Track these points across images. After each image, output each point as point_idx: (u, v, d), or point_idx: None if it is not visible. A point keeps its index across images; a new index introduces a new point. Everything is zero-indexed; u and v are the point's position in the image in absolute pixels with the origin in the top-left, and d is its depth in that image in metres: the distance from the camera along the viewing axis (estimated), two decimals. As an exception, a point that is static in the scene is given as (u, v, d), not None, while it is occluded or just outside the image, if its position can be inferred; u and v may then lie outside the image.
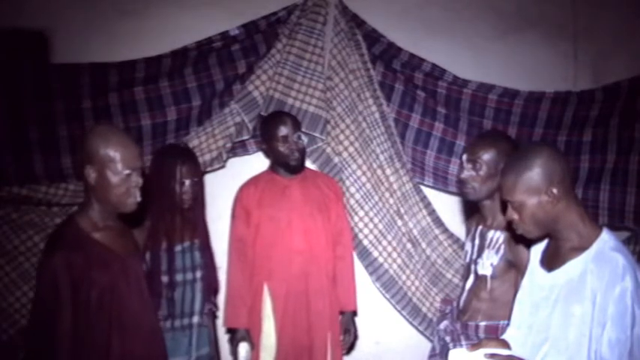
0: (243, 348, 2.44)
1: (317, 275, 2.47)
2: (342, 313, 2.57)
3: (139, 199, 1.66)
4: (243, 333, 2.44)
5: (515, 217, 1.50)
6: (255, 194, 2.48)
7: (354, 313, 2.61)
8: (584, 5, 3.10)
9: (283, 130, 2.41)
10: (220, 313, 2.62)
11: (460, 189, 2.02)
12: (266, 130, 2.48)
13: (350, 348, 2.68)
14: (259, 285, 2.45)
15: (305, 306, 2.44)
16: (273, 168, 2.54)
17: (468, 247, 2.09)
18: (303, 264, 2.44)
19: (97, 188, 1.62)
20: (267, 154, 2.56)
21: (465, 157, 1.97)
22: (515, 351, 1.49)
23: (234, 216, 2.52)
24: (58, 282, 1.51)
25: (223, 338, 2.69)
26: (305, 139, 2.52)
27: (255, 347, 2.45)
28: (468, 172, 1.94)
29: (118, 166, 1.60)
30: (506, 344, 1.53)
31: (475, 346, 1.50)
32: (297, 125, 2.47)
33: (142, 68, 2.61)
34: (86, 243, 1.61)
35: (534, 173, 1.44)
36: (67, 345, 1.51)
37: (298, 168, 2.50)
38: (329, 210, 2.55)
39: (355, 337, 2.62)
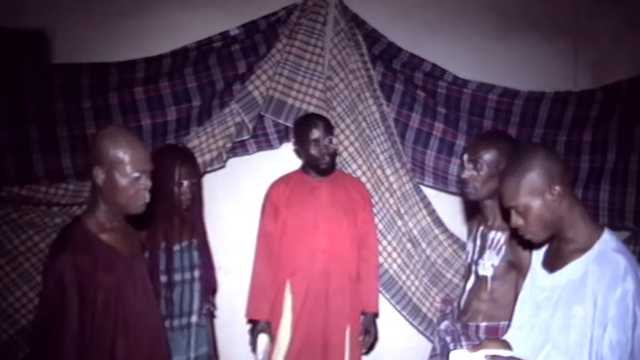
0: (262, 340, 2.48)
1: (338, 275, 2.48)
2: (363, 313, 2.58)
3: (147, 200, 1.66)
4: (264, 325, 2.49)
5: (521, 222, 1.47)
6: (285, 192, 2.52)
7: (376, 315, 2.62)
8: (585, 5, 3.10)
9: (315, 134, 2.44)
10: (218, 313, 2.63)
11: (461, 189, 2.02)
12: (299, 133, 2.51)
13: (370, 348, 2.68)
14: (282, 281, 2.48)
15: (324, 305, 2.45)
16: (304, 168, 2.57)
17: (469, 247, 2.09)
18: (325, 263, 2.46)
19: (105, 190, 1.61)
20: (299, 154, 2.59)
21: (465, 157, 1.96)
22: (516, 352, 1.49)
23: (263, 212, 2.56)
24: (65, 282, 1.50)
25: (222, 338, 2.70)
26: (335, 142, 2.54)
27: (274, 340, 2.48)
28: (468, 172, 1.93)
29: (127, 168, 1.59)
30: (507, 345, 1.53)
31: (476, 347, 1.50)
32: (329, 129, 2.50)
33: (142, 68, 2.61)
34: (93, 244, 1.60)
35: (535, 174, 1.43)
36: (73, 345, 1.50)
37: (328, 171, 2.53)
38: (355, 214, 2.56)
39: (375, 339, 2.62)
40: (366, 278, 2.58)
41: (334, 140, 2.53)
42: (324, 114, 2.75)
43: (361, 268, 2.57)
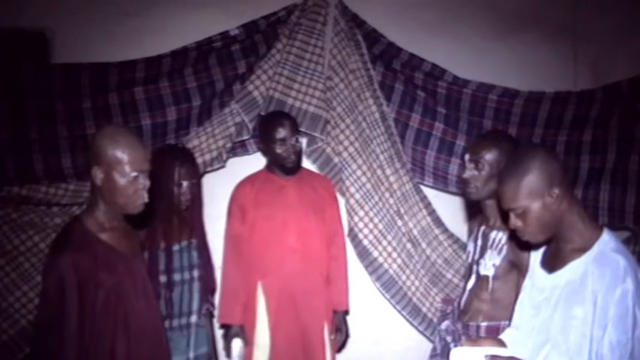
0: (237, 344, 2.46)
1: (311, 274, 2.49)
2: (334, 312, 2.58)
3: (146, 200, 1.66)
4: (237, 329, 2.47)
5: (520, 224, 1.47)
6: (251, 193, 2.50)
7: (346, 313, 2.63)
8: (584, 5, 3.10)
9: (281, 133, 2.42)
10: (218, 312, 2.63)
11: (462, 189, 2.02)
12: (264, 131, 2.50)
13: (341, 347, 2.68)
14: (253, 283, 2.47)
15: (299, 304, 2.46)
16: (269, 167, 2.56)
17: (470, 247, 2.09)
18: (296, 263, 2.46)
19: (104, 189, 1.61)
20: (265, 153, 2.58)
21: (467, 156, 1.96)
22: (515, 352, 1.49)
23: (229, 214, 2.54)
24: (65, 282, 1.50)
25: (221, 338, 2.70)
26: (303, 141, 2.54)
27: (248, 344, 2.47)
28: (470, 172, 1.94)
29: (126, 168, 1.59)
30: (502, 343, 1.54)
31: (473, 341, 1.51)
32: (295, 128, 2.48)
33: (142, 68, 2.61)
34: (93, 243, 1.61)
35: (534, 176, 1.43)
36: (73, 345, 1.51)
37: (294, 170, 2.52)
38: (323, 211, 2.57)
39: (347, 337, 2.63)
40: (336, 276, 2.59)
41: (300, 139, 2.52)
42: (324, 114, 2.75)
43: (331, 266, 2.57)
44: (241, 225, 2.50)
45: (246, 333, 2.47)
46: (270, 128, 2.45)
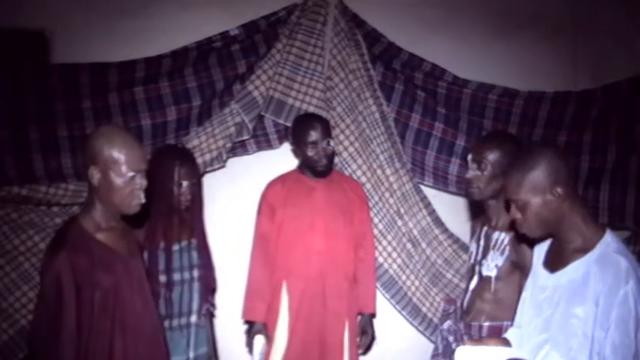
0: (259, 341, 2.48)
1: (335, 276, 2.48)
2: (360, 314, 2.58)
3: (142, 200, 1.66)
4: (260, 327, 2.48)
5: (519, 216, 1.49)
6: (282, 192, 2.51)
7: (373, 315, 2.62)
8: (584, 5, 3.10)
9: (313, 136, 2.42)
10: (218, 312, 2.63)
11: (465, 189, 2.02)
12: (296, 134, 2.49)
13: (367, 349, 2.67)
14: (278, 282, 2.48)
15: (321, 306, 2.45)
16: (300, 168, 2.56)
17: (472, 247, 2.08)
18: (321, 264, 2.45)
19: (101, 189, 1.61)
20: (296, 155, 2.57)
21: (470, 157, 1.97)
22: (516, 351, 1.49)
23: (259, 212, 2.54)
24: (62, 283, 1.50)
25: (221, 338, 2.70)
26: (333, 144, 2.53)
27: (270, 341, 2.47)
28: (473, 172, 1.94)
29: (122, 168, 1.59)
30: (507, 343, 1.54)
31: (476, 341, 1.51)
32: (327, 131, 2.48)
33: (142, 68, 2.61)
34: (89, 244, 1.60)
35: (539, 172, 1.44)
36: (71, 345, 1.51)
37: (325, 172, 2.51)
38: (352, 214, 2.55)
39: (373, 339, 2.62)
40: (363, 279, 2.58)
41: (332, 142, 2.52)
42: (324, 114, 2.75)
43: (358, 268, 2.56)
44: (270, 223, 2.50)
45: (268, 331, 2.48)
46: (301, 131, 2.45)
